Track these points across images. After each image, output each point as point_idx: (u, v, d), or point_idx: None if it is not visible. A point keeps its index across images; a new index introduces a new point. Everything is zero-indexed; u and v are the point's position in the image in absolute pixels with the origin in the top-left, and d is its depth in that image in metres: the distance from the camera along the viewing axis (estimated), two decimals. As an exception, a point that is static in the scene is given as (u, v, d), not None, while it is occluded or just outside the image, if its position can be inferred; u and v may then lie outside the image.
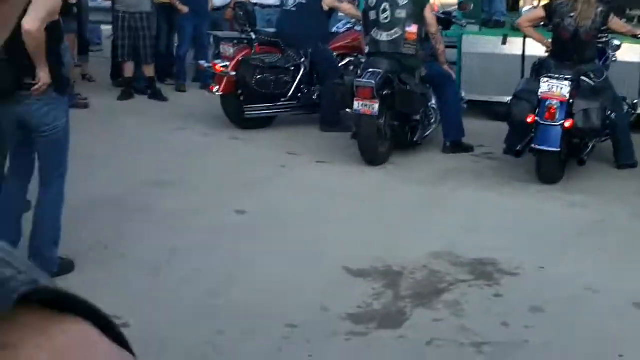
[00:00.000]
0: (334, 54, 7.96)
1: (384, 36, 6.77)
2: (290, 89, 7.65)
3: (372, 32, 6.85)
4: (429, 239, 5.06)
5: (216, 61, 7.63)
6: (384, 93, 6.50)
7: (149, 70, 9.06)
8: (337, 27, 8.55)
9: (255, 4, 9.73)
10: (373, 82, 6.39)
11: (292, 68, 7.66)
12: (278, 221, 5.32)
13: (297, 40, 7.68)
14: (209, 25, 9.50)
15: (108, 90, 9.31)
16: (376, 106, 6.41)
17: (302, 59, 7.70)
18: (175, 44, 9.83)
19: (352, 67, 7.95)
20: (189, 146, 7.17)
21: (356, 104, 6.46)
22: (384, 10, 6.78)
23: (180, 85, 9.54)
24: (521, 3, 8.86)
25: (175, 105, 8.76)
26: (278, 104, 7.77)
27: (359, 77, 6.56)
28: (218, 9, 9.79)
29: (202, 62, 8.27)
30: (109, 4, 9.49)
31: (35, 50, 3.95)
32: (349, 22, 8.50)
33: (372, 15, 6.85)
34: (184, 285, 4.34)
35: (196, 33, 9.45)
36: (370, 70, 6.58)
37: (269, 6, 9.64)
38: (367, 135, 6.55)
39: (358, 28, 8.22)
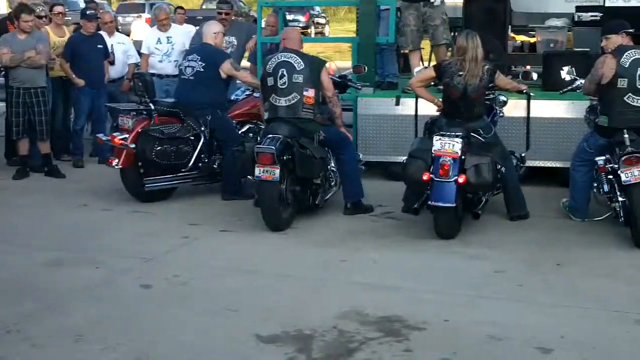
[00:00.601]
0: (234, 121, 8.00)
1: (282, 102, 6.86)
2: (190, 159, 7.59)
3: (270, 98, 6.92)
4: (335, 300, 5.11)
5: (115, 134, 7.52)
6: (284, 158, 6.57)
7: (45, 147, 8.90)
8: (236, 95, 8.53)
9: (153, 74, 9.73)
10: (273, 147, 6.45)
11: (192, 137, 7.62)
12: (183, 294, 5.27)
13: (196, 109, 7.66)
14: (106, 97, 9.46)
15: (2, 170, 9.09)
16: (277, 172, 6.46)
17: (202, 128, 7.66)
18: (71, 118, 9.73)
19: (251, 134, 8.06)
20: (88, 223, 7.05)
21: (257, 171, 6.50)
22: (282, 76, 6.87)
23: (77, 161, 9.33)
24: (412, 64, 9.13)
25: (73, 182, 8.60)
26: (179, 174, 7.71)
27: (259, 144, 6.62)
28: (114, 80, 9.77)
29: (100, 135, 8.14)
30: (1, 79, 9.34)
31: None
32: (247, 89, 8.54)
33: (270, 81, 6.94)
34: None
35: (93, 106, 9.37)
36: (270, 136, 6.65)
37: (167, 76, 9.69)
38: (269, 202, 6.56)
39: (257, 95, 8.23)
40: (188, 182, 7.89)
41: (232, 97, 8.45)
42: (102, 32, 9.72)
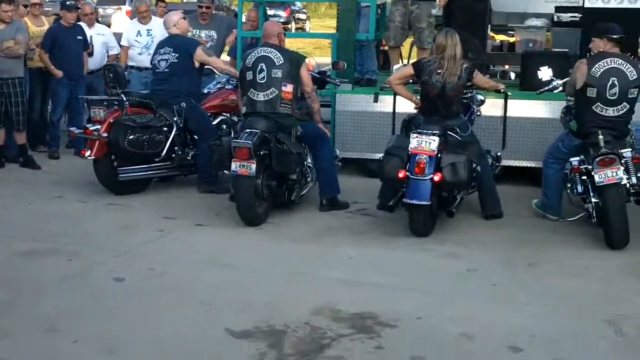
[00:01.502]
0: (207, 113, 8.00)
1: (260, 96, 6.83)
2: (163, 149, 7.55)
3: (248, 93, 6.90)
4: (309, 295, 5.11)
5: (87, 125, 7.51)
6: (261, 153, 6.55)
7: (21, 138, 8.84)
8: (209, 88, 8.53)
9: (132, 67, 9.77)
10: (250, 142, 6.43)
11: (165, 127, 7.58)
12: (157, 287, 5.26)
13: (170, 97, 7.66)
14: (84, 89, 9.39)
15: (-23, 160, 9.05)
16: (254, 166, 6.45)
17: (175, 118, 7.64)
18: (49, 109, 9.66)
19: (224, 126, 8.10)
20: (64, 214, 7.01)
21: (234, 165, 6.48)
22: (261, 71, 6.84)
23: (53, 152, 9.30)
24: (391, 61, 9.14)
25: (48, 173, 8.55)
26: (152, 165, 7.68)
27: (236, 138, 6.60)
28: (92, 72, 9.68)
29: (72, 129, 8.08)
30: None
31: None
32: (219, 83, 8.55)
33: (249, 75, 6.91)
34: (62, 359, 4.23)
35: (71, 97, 9.28)
36: (248, 130, 6.62)
37: (147, 69, 9.49)
38: (244, 197, 6.55)
39: (229, 87, 8.34)
40: (162, 172, 7.86)
41: (205, 90, 8.43)
42: (81, 23, 9.69)
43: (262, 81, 6.85)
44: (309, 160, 7.20)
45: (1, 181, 8.23)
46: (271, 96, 6.83)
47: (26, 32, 8.82)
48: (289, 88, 6.86)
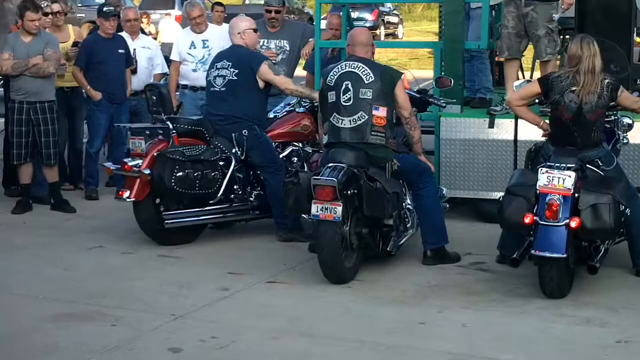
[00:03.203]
0: (273, 143, 8.03)
1: (346, 122, 6.90)
2: (220, 188, 7.61)
3: (331, 118, 6.97)
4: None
5: (125, 159, 7.60)
6: (349, 193, 6.55)
7: (52, 174, 9.07)
8: (275, 112, 8.52)
9: (185, 87, 9.91)
10: (335, 179, 6.44)
11: (221, 161, 7.66)
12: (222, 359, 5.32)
13: (229, 123, 7.75)
14: (128, 115, 9.64)
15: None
16: (339, 210, 6.45)
17: (234, 150, 7.74)
18: (85, 140, 9.88)
19: (295, 159, 8.17)
20: (105, 269, 7.13)
21: (314, 208, 6.50)
22: (346, 91, 6.91)
23: (91, 192, 9.54)
24: (506, 78, 9.11)
25: (85, 218, 8.76)
26: (206, 208, 7.75)
27: (317, 174, 6.64)
28: (136, 93, 9.89)
29: (107, 164, 8.21)
30: (0, 91, 9.52)
31: None
32: (287, 104, 8.54)
33: (331, 96, 6.98)
34: None
35: (111, 125, 9.51)
36: (331, 164, 6.65)
37: (203, 88, 9.34)
38: (328, 247, 6.54)
39: (300, 110, 8.38)
40: (218, 218, 7.91)
41: (271, 115, 8.45)
42: (123, 33, 9.95)
43: (348, 103, 6.91)
44: (409, 202, 7.21)
45: (29, 228, 8.44)
46: (359, 122, 6.87)
47: (57, 46, 9.11)
48: (381, 112, 6.89)
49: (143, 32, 10.98)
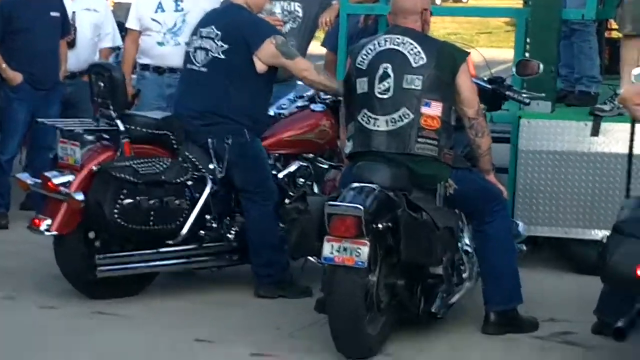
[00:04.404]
0: (271, 154, 7.99)
1: (381, 123, 6.85)
2: (185, 222, 7.49)
3: (359, 117, 6.88)
4: None
5: (49, 174, 7.42)
6: (380, 227, 6.43)
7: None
8: (279, 107, 8.42)
9: (146, 67, 9.94)
10: (361, 207, 6.29)
11: (192, 182, 7.55)
12: None
13: (204, 127, 7.65)
14: (59, 105, 9.68)
15: None
16: (365, 251, 6.29)
17: (210, 165, 7.66)
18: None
19: (302, 180, 8.10)
20: (18, 331, 6.98)
21: (327, 248, 6.35)
22: (384, 77, 6.88)
23: (-1, 217, 9.19)
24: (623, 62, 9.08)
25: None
26: (162, 250, 7.64)
27: (335, 199, 6.50)
28: (74, 75, 10.00)
29: (23, 177, 7.98)
30: None
31: None
32: (298, 97, 8.45)
33: (362, 85, 6.87)
34: None
35: (32, 121, 9.51)
36: (356, 185, 6.54)
37: (172, 70, 9.56)
38: (345, 306, 6.38)
39: (317, 107, 8.23)
40: (177, 265, 7.79)
41: (273, 112, 8.31)
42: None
43: (386, 96, 6.84)
44: (467, 241, 7.20)
45: None
46: (401, 123, 6.80)
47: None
48: (434, 109, 6.82)
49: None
